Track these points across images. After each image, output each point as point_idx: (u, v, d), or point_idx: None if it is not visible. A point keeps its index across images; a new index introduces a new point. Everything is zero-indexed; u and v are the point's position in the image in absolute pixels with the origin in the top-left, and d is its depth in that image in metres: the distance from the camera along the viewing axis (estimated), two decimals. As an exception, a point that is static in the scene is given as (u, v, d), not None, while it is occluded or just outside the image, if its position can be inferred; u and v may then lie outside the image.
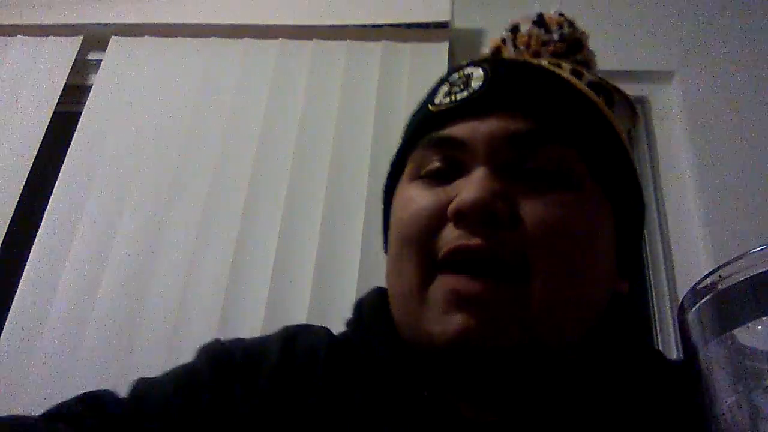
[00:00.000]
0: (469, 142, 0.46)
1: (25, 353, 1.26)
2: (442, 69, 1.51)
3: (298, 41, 1.60)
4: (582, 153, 0.46)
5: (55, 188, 1.45)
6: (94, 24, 1.68)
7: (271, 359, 0.50)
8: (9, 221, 1.42)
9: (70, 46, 1.66)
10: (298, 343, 0.52)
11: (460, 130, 0.47)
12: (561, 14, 0.58)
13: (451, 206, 0.43)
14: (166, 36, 1.65)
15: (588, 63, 0.57)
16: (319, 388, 0.48)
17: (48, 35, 1.68)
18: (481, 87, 0.48)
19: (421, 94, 0.54)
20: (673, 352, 1.32)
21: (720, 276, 0.26)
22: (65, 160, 1.49)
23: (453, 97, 0.48)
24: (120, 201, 1.42)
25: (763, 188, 1.38)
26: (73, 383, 1.22)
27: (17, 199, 1.45)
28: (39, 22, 1.69)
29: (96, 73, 1.62)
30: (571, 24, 0.58)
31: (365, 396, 0.47)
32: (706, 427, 0.27)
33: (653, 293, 1.40)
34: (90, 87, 1.60)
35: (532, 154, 0.45)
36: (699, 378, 0.28)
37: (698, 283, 0.27)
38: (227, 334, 1.30)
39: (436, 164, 0.47)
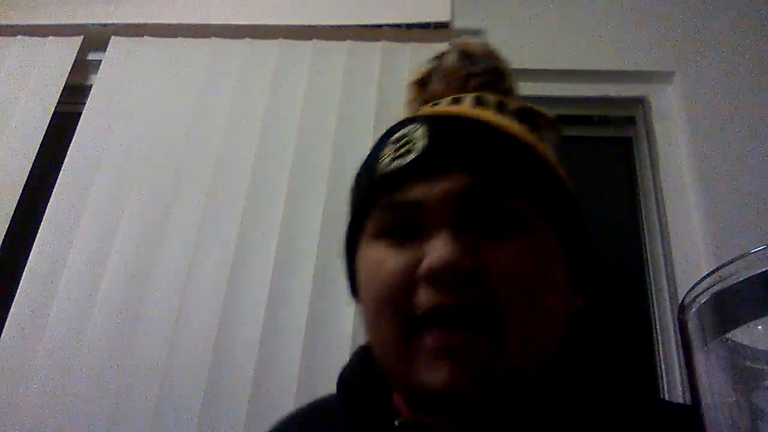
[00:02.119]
0: (426, 204, 0.49)
1: (25, 353, 1.27)
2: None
3: (298, 41, 1.60)
4: (528, 198, 0.50)
5: (55, 188, 1.45)
6: (94, 24, 1.68)
7: None
8: (9, 221, 1.43)
9: (70, 46, 1.67)
10: None
11: (413, 193, 0.49)
12: (484, 44, 0.60)
13: (423, 268, 0.47)
14: (166, 36, 1.65)
15: (511, 91, 0.59)
16: None
17: (48, 35, 1.68)
18: (426, 148, 0.51)
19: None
20: (674, 352, 1.32)
21: (720, 276, 0.26)
22: (65, 160, 1.49)
23: (400, 161, 0.51)
24: (120, 201, 1.42)
25: (763, 188, 1.38)
26: (74, 383, 1.22)
27: (17, 199, 1.45)
28: (39, 22, 1.69)
29: (96, 73, 1.63)
30: (494, 54, 0.60)
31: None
32: (705, 427, 0.27)
33: (653, 293, 1.40)
34: (90, 87, 1.60)
35: (485, 207, 0.49)
36: (697, 379, 0.28)
37: (698, 283, 0.27)
38: (227, 335, 1.31)
39: (397, 224, 0.50)
